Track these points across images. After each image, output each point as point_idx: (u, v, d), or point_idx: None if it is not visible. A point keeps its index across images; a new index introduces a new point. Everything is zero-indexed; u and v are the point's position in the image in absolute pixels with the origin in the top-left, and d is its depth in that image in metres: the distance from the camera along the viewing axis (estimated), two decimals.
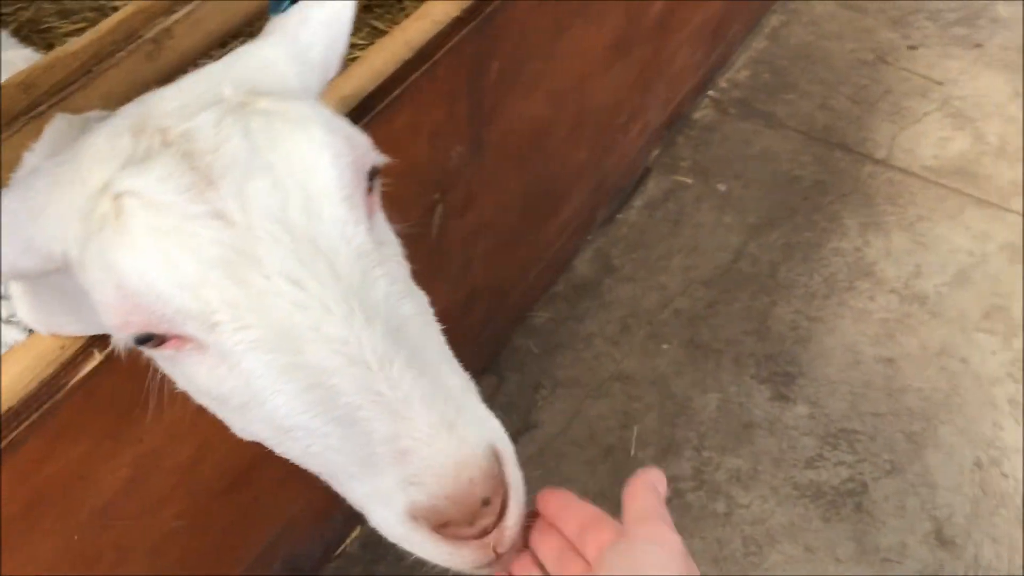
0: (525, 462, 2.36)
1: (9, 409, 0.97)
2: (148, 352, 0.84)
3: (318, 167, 0.79)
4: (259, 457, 1.52)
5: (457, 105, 1.69)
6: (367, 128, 1.40)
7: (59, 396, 1.01)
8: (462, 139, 1.76)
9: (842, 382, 2.42)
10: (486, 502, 0.76)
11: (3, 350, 1.11)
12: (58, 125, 1.04)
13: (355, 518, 2.10)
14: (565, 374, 2.44)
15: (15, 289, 1.08)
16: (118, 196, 0.74)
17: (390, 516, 0.79)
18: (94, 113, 1.07)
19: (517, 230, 2.22)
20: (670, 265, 2.67)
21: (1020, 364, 2.46)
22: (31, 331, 1.12)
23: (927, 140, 3.02)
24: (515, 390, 2.40)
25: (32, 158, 0.99)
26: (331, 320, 0.75)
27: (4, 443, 0.98)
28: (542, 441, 2.32)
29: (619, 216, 2.77)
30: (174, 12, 1.03)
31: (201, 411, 0.91)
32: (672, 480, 2.24)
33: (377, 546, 2.11)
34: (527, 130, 2.02)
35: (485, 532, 0.78)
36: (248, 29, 1.45)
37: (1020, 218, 2.80)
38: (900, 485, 2.24)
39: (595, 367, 2.45)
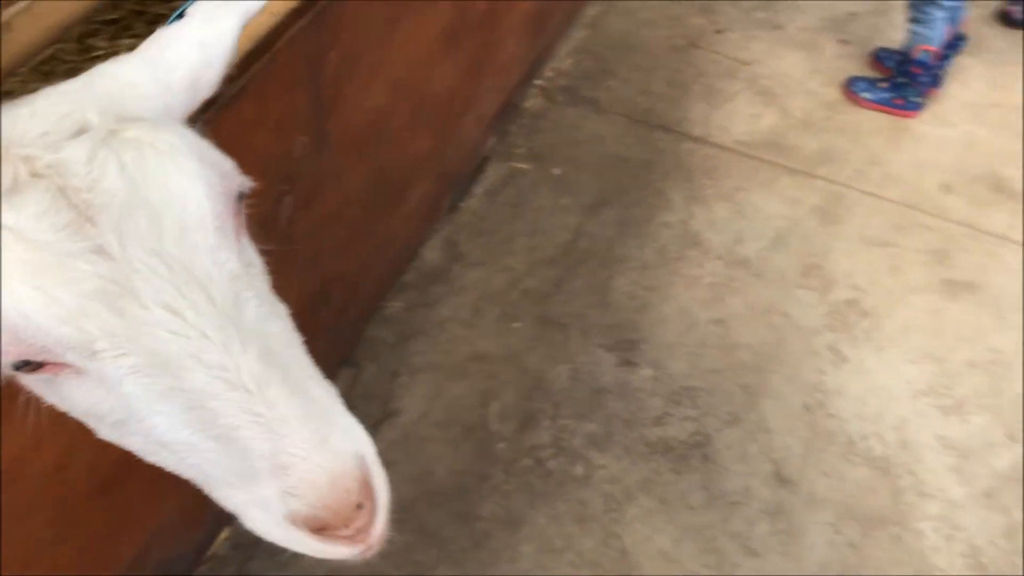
0: (388, 448, 2.40)
1: None
2: (22, 377, 0.83)
3: (193, 200, 0.82)
4: (127, 458, 1.51)
5: (298, 95, 1.72)
6: (214, 120, 1.42)
7: None
8: (306, 129, 1.79)
9: (680, 344, 2.59)
10: (359, 506, 0.82)
11: None
12: None
13: (224, 519, 2.08)
14: (421, 360, 2.49)
15: None
16: None
17: (268, 522, 0.83)
18: None
19: (365, 220, 2.26)
20: (515, 248, 2.77)
21: (836, 315, 2.70)
22: None
23: (739, 117, 3.25)
24: (373, 380, 2.44)
25: None
26: (210, 347, 0.78)
27: None
28: (404, 427, 2.36)
29: (462, 204, 2.85)
30: (12, 5, 1.01)
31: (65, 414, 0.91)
32: (532, 450, 2.34)
33: (248, 546, 2.09)
34: (368, 120, 2.06)
35: (359, 531, 0.84)
36: (76, 30, 1.43)
37: (825, 183, 3.06)
38: (740, 433, 2.43)
39: (451, 350, 2.52)
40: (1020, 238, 2.99)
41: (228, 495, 0.85)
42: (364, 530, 0.84)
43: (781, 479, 2.34)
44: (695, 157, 3.09)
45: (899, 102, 3.27)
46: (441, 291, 2.64)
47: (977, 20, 3.73)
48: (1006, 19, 3.73)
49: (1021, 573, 2.24)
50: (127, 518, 1.64)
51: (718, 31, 3.55)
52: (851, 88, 3.33)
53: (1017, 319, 2.76)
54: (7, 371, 0.80)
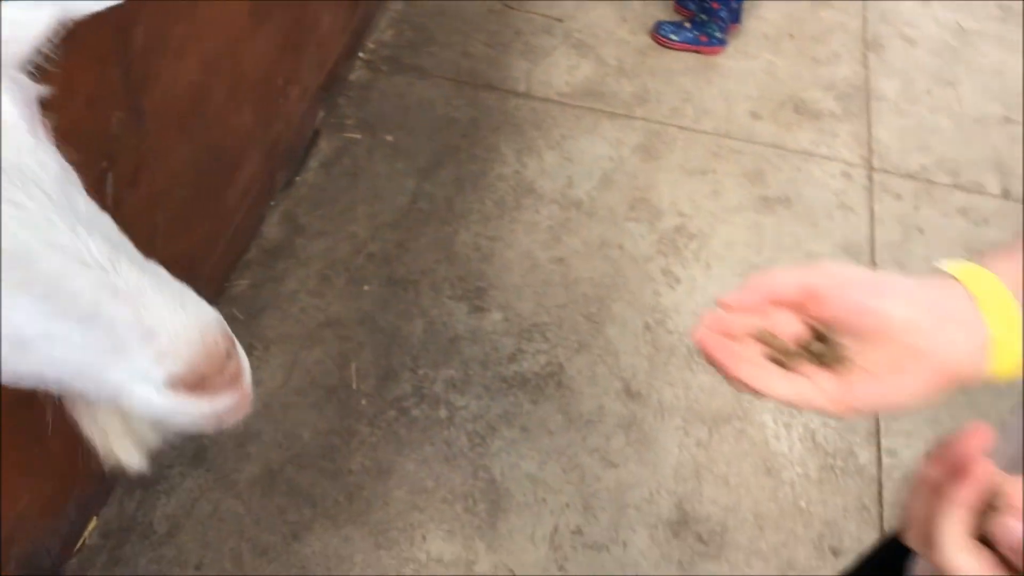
0: (252, 420, 2.41)
1: None
2: None
3: (3, 105, 0.85)
4: None
5: (108, 70, 1.72)
6: None
7: None
8: (120, 105, 1.80)
9: (526, 285, 2.71)
10: (229, 355, 0.88)
11: None
12: None
13: (90, 507, 2.07)
14: (275, 332, 2.52)
15: None
16: None
17: (149, 392, 0.87)
18: None
19: (195, 199, 2.27)
20: (356, 215, 2.82)
21: (666, 241, 2.88)
22: None
23: (558, 70, 3.39)
24: None
25: None
26: (58, 231, 0.81)
27: None
28: (265, 397, 2.39)
29: (298, 178, 2.88)
30: None
31: None
32: (395, 401, 2.41)
33: (118, 532, 2.09)
34: (185, 95, 2.07)
35: (232, 378, 0.89)
36: None
37: (644, 123, 3.24)
38: (589, 359, 2.56)
39: (303, 320, 2.56)
40: (824, 152, 3.25)
41: (103, 384, 0.87)
42: (237, 378, 0.89)
43: (631, 394, 2.49)
44: (522, 111, 3.22)
45: (704, 39, 3.49)
46: (286, 264, 2.67)
47: None
48: None
49: (851, 447, 2.47)
50: None
51: None
52: (659, 32, 3.53)
53: (828, 225, 3.01)
54: None
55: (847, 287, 0.78)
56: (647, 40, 3.56)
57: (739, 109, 3.36)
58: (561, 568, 2.17)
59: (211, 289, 2.51)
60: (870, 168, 3.23)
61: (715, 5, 3.42)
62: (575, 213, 2.92)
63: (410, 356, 2.51)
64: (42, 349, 0.84)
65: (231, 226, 2.54)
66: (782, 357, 0.77)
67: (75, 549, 2.03)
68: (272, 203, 2.78)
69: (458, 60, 3.36)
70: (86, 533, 2.05)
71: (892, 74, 3.64)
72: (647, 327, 2.65)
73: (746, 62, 3.56)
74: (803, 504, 2.35)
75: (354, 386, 2.43)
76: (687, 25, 3.51)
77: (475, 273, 2.72)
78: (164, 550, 2.09)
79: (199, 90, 2.13)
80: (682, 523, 2.27)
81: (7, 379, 0.87)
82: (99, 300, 0.81)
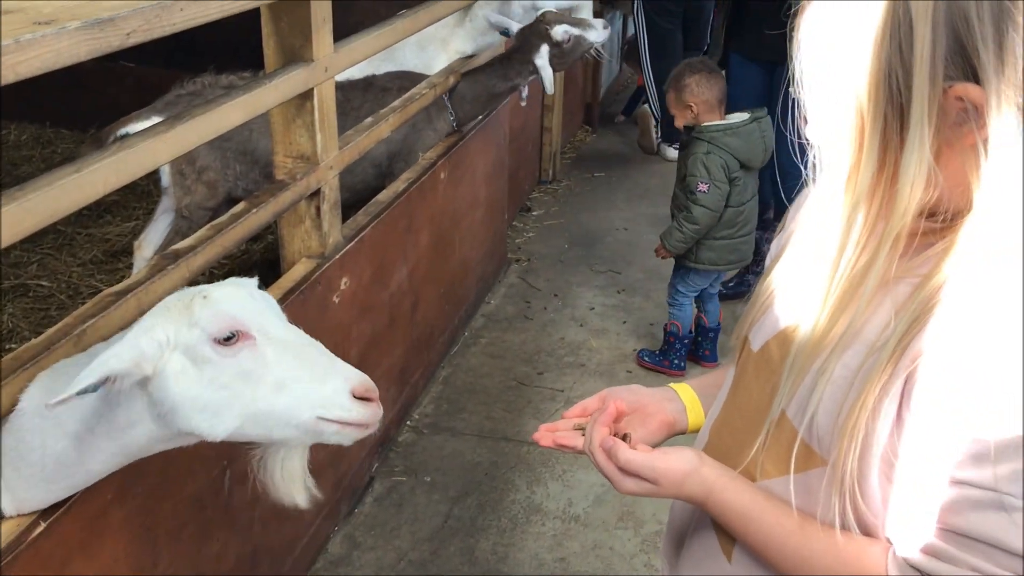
0: None
1: None
2: (222, 357, 1.65)
3: (271, 304, 1.82)
4: None
5: None
6: None
7: None
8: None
9: None
10: (374, 386, 1.75)
11: None
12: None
13: None
14: None
15: None
16: (206, 295, 1.70)
17: (341, 400, 1.70)
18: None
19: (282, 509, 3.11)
20: (400, 533, 3.62)
21: (648, 542, 3.58)
22: None
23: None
24: None
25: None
26: (299, 333, 1.77)
27: None
28: None
29: (357, 509, 3.73)
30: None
31: None
32: None
33: None
34: None
35: (378, 399, 1.75)
36: None
37: None
38: None
39: None
40: None
41: (310, 400, 1.67)
42: (378, 401, 1.73)
43: None
44: (532, 455, 4.10)
45: (667, 363, 4.75)
46: (345, 571, 3.42)
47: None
48: None
49: None
50: None
51: (539, 373, 4.76)
52: (640, 356, 4.83)
53: None
54: (215, 339, 1.64)
55: (622, 392, 1.65)
56: None
57: None
58: None
59: None
60: None
61: (671, 339, 4.74)
62: (574, 525, 3.68)
63: None
64: (289, 386, 1.71)
65: (306, 536, 3.35)
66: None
67: None
68: (336, 528, 3.60)
69: (482, 422, 4.33)
70: None
71: None
72: None
73: None
74: None
75: None
76: (655, 352, 4.82)
77: (492, 571, 3.44)
78: None
79: None
80: None
81: (255, 430, 1.71)
82: (313, 356, 1.72)
